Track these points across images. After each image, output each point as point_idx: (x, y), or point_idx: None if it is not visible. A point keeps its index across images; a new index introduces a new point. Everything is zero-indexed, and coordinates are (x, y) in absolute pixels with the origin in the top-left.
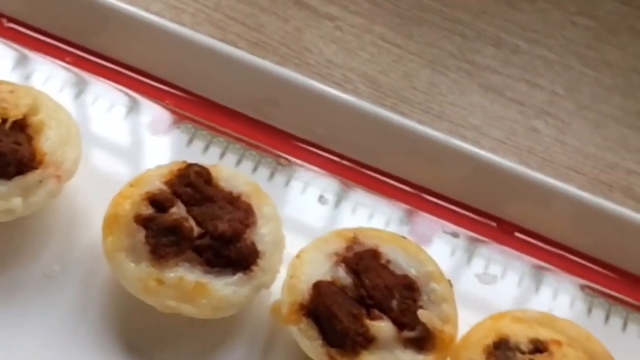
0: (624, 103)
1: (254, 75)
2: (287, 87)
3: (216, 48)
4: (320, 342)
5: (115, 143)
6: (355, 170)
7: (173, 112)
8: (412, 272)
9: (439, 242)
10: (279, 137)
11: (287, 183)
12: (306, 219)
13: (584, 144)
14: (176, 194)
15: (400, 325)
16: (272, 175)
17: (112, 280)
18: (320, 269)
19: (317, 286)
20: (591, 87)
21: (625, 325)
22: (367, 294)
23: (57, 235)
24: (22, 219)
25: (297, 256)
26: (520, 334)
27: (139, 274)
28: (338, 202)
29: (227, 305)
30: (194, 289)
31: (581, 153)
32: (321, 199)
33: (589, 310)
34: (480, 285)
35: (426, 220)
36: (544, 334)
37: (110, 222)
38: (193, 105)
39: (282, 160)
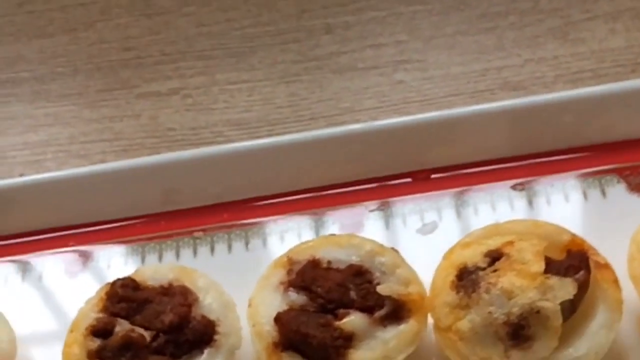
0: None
1: (144, 176)
2: (183, 168)
3: (92, 173)
4: None
5: (40, 306)
6: (267, 205)
7: (80, 252)
8: (354, 259)
9: (370, 222)
10: (183, 217)
11: (212, 250)
12: (245, 268)
13: (447, 69)
14: (114, 315)
15: (369, 310)
16: (195, 252)
17: None
18: (274, 303)
19: (278, 319)
20: (426, 19)
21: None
22: (325, 300)
23: None
24: None
25: (249, 305)
26: (474, 255)
27: None
28: (264, 241)
29: None
30: None
31: (449, 77)
32: (248, 245)
33: (529, 202)
34: (425, 237)
35: (347, 211)
36: (493, 243)
37: None
38: (99, 234)
39: (196, 234)
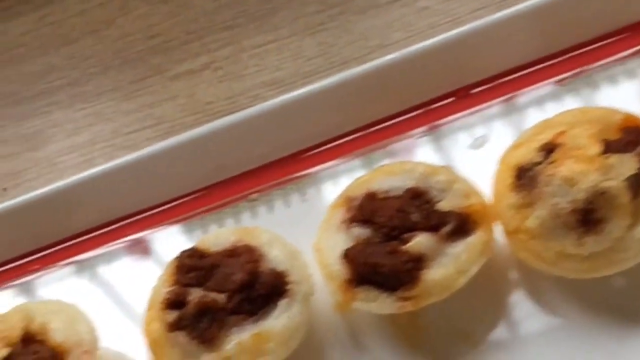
0: None
1: (190, 151)
2: (227, 135)
3: (138, 159)
4: (384, 295)
5: (113, 296)
6: (316, 154)
7: (140, 239)
8: (410, 183)
9: (420, 148)
10: (236, 183)
11: (270, 209)
12: (305, 219)
13: None
14: (186, 285)
15: (434, 229)
16: (254, 214)
17: None
18: (339, 242)
19: (346, 256)
20: None
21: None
22: (388, 228)
23: None
24: None
25: (315, 250)
26: (528, 152)
27: None
28: (319, 189)
29: (293, 332)
30: (254, 342)
31: None
32: (305, 196)
33: (577, 94)
34: (478, 151)
35: (395, 143)
36: (545, 137)
37: (155, 350)
38: (156, 218)
39: (251, 197)
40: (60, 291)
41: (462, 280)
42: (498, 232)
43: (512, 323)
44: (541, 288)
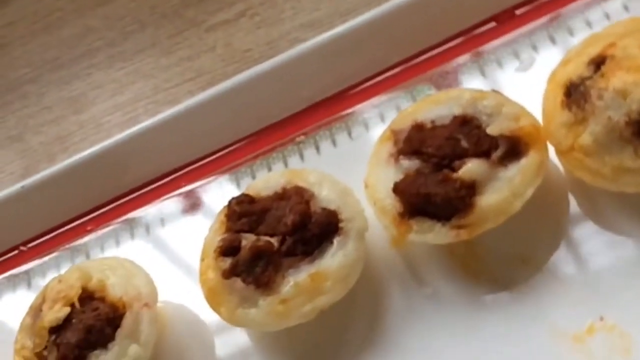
0: None
1: (233, 99)
2: (269, 79)
3: (182, 112)
4: (439, 225)
5: (169, 250)
6: (360, 92)
7: (192, 191)
8: (457, 110)
9: (466, 76)
10: (282, 128)
11: (317, 149)
12: (354, 157)
13: None
14: (239, 232)
15: (485, 154)
16: (302, 156)
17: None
18: (389, 176)
19: (397, 189)
20: None
21: None
22: (438, 157)
23: None
24: None
25: (366, 186)
26: (577, 68)
27: (264, 311)
28: (366, 126)
29: (349, 269)
30: (312, 281)
31: None
32: (351, 134)
33: (625, 7)
34: (526, 73)
35: (441, 72)
36: (594, 50)
37: (211, 298)
38: (206, 168)
39: (298, 139)
40: (116, 249)
41: (518, 204)
42: (551, 152)
43: (572, 244)
44: (600, 206)
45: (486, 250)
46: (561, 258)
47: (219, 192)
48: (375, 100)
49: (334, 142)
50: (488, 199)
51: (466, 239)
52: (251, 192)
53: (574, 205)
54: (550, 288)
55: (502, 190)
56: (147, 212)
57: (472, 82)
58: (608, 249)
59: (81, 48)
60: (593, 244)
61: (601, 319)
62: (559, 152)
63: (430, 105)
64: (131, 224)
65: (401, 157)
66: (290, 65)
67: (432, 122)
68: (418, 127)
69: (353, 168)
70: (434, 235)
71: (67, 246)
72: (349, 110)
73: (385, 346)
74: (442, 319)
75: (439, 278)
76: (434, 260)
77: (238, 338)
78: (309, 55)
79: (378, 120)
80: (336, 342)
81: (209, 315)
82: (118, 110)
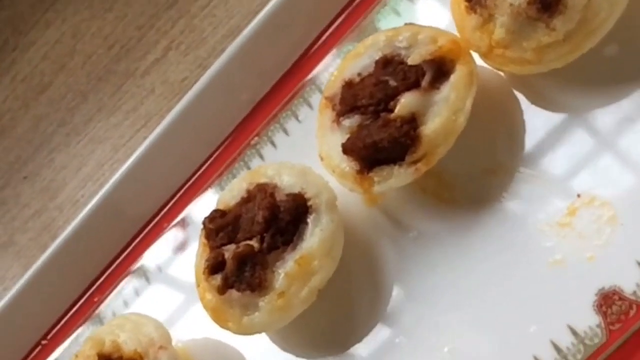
0: None
1: None
2: None
3: None
4: (396, 167)
5: (168, 292)
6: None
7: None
8: (377, 55)
9: (382, 22)
10: (233, 143)
11: (273, 144)
12: (307, 136)
13: None
14: (220, 247)
15: (415, 85)
16: (262, 157)
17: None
18: (337, 140)
19: (345, 149)
20: None
21: None
22: (374, 104)
23: None
24: None
25: (321, 159)
26: None
27: (266, 311)
28: (310, 105)
29: (331, 241)
30: (300, 266)
31: None
32: (299, 118)
33: None
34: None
35: (360, 25)
36: None
37: (217, 318)
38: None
39: (253, 142)
40: (126, 309)
41: (462, 119)
42: (477, 60)
43: (530, 138)
44: (543, 91)
45: (453, 176)
46: (525, 156)
47: (201, 219)
48: (309, 77)
49: (285, 132)
50: (431, 126)
51: (427, 171)
52: (221, 206)
53: (522, 101)
54: (524, 188)
55: (442, 112)
56: (142, 263)
57: (390, 24)
58: (564, 129)
59: (38, 139)
60: (549, 130)
61: (578, 196)
62: (483, 56)
63: (352, 60)
64: (132, 281)
65: (341, 118)
66: (221, 77)
67: (359, 75)
68: (348, 85)
69: (310, 148)
70: (396, 178)
71: (82, 323)
72: (289, 96)
73: (393, 299)
74: (434, 255)
75: (420, 218)
76: (409, 205)
77: (261, 345)
78: (234, 60)
79: (318, 95)
80: (347, 313)
81: (229, 339)
82: (87, 181)
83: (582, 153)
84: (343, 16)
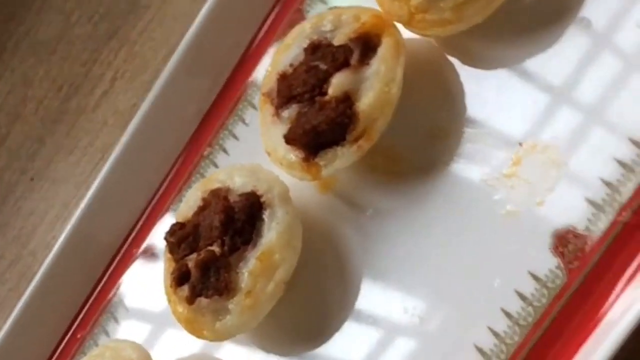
0: None
1: None
2: None
3: None
4: (339, 148)
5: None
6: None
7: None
8: (305, 43)
9: (311, 13)
10: (187, 156)
11: (225, 151)
12: (254, 138)
13: None
14: (184, 259)
15: (345, 65)
16: (216, 165)
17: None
18: (280, 133)
19: (288, 139)
20: None
21: None
22: (308, 90)
23: None
24: None
25: (269, 155)
26: None
27: (237, 312)
28: (253, 105)
29: (289, 233)
30: (262, 262)
31: None
32: (246, 121)
33: None
34: None
35: (289, 20)
36: None
37: (191, 329)
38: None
39: (206, 152)
40: (108, 340)
41: (395, 89)
42: (402, 31)
43: (469, 97)
44: (470, 50)
45: (398, 148)
46: (464, 116)
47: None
48: (250, 79)
49: (235, 137)
50: (366, 100)
51: (373, 148)
52: (180, 219)
53: (454, 63)
54: (468, 148)
55: (374, 86)
56: (118, 292)
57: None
58: (498, 83)
59: (2, 190)
60: (484, 86)
61: (520, 144)
62: (406, 24)
63: (283, 53)
64: (111, 312)
65: (280, 110)
66: (165, 94)
67: (291, 65)
68: (282, 77)
69: (260, 147)
70: (340, 159)
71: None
72: (234, 102)
73: (361, 278)
74: (393, 229)
75: (374, 196)
76: (362, 185)
77: (244, 351)
78: (174, 77)
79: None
80: (319, 300)
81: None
82: (55, 222)
83: (518, 102)
84: (273, 14)
